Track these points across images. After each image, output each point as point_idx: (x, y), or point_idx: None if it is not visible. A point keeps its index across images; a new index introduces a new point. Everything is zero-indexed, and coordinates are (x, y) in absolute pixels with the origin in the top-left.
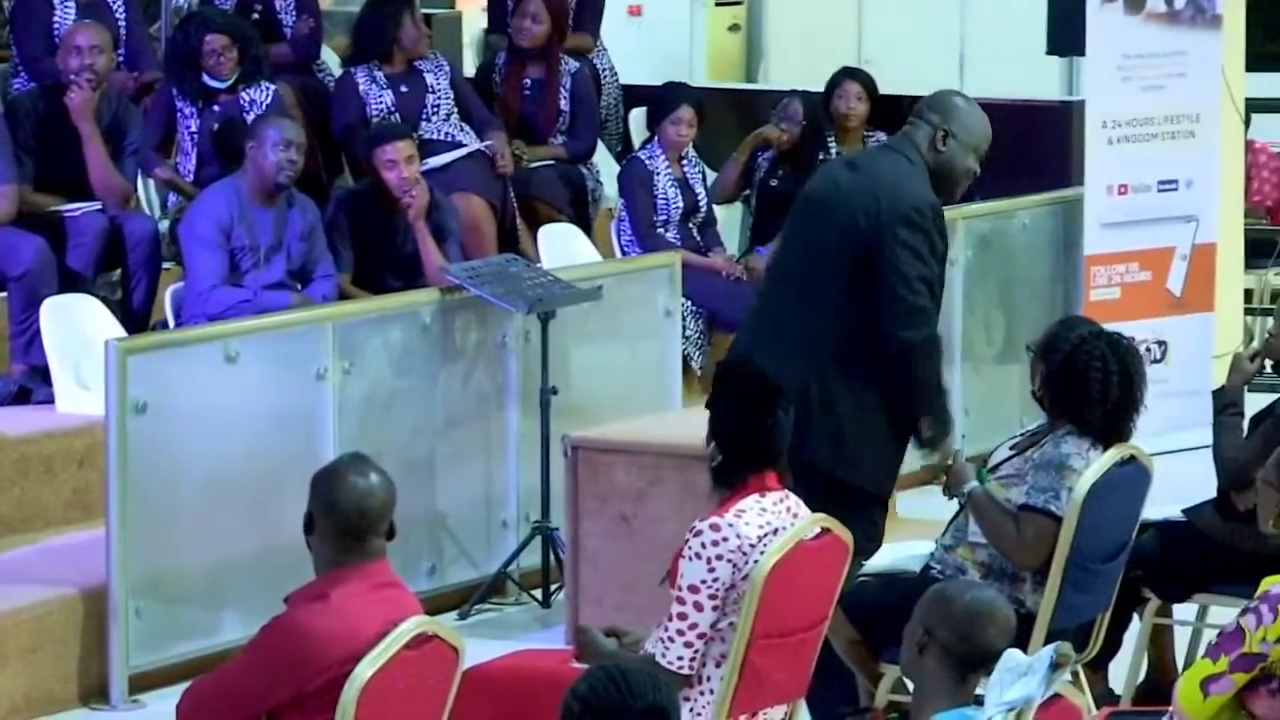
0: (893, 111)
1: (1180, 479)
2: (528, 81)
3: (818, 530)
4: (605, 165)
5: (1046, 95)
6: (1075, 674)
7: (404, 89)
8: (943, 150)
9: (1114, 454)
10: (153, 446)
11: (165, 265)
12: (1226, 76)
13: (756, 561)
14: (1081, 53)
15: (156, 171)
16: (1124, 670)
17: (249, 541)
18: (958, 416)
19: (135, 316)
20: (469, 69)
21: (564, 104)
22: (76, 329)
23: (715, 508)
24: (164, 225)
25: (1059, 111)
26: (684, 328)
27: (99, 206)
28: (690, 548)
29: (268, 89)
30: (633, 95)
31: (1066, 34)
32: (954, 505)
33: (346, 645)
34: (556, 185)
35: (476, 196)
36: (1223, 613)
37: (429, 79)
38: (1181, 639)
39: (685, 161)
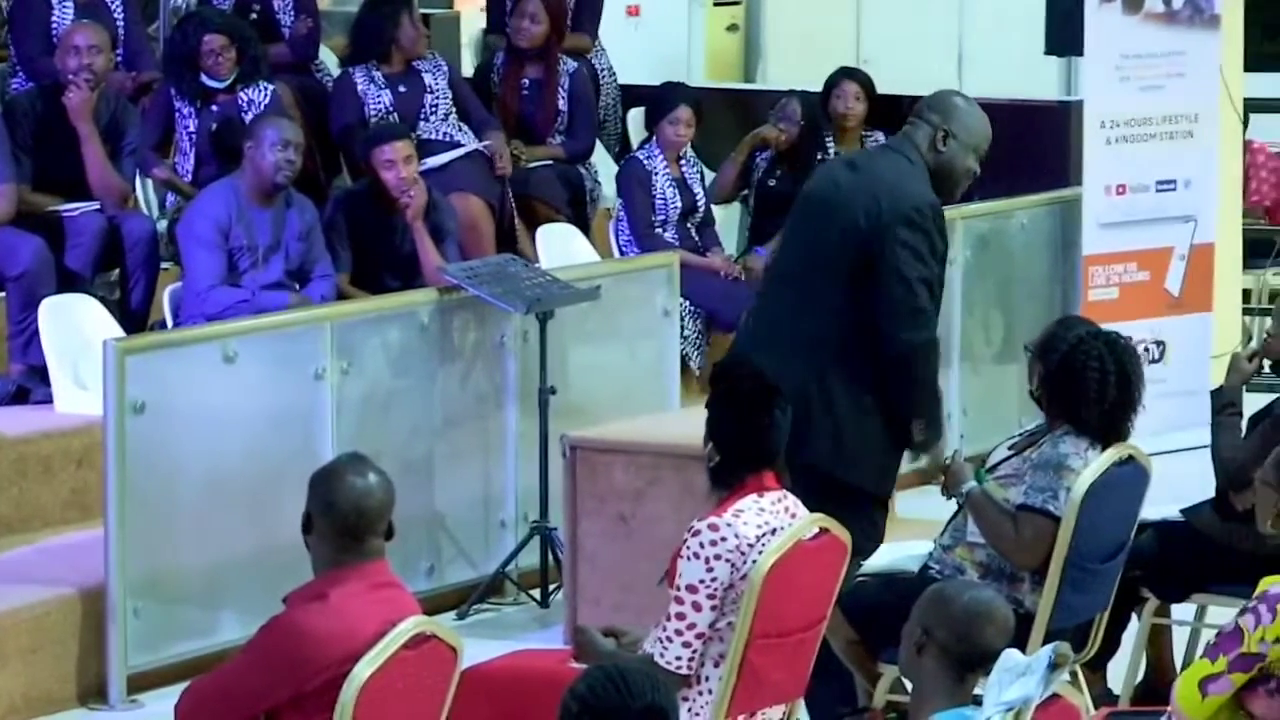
0: (891, 111)
1: (1179, 479)
2: (526, 81)
3: (816, 530)
4: (603, 165)
5: (1045, 95)
6: (1074, 674)
7: (402, 89)
8: (943, 150)
9: (1112, 454)
10: (151, 446)
11: (163, 265)
12: (1225, 76)
13: (755, 561)
14: (1080, 53)
15: (155, 171)
16: (1122, 670)
17: (247, 541)
18: (956, 416)
19: (133, 316)
20: (467, 69)
21: (562, 104)
22: (75, 329)
23: (713, 508)
24: (162, 225)
25: (1057, 111)
26: (682, 328)
27: (97, 206)
28: (688, 547)
29: (266, 89)
30: (631, 95)
31: (1065, 34)
32: (952, 505)
33: (345, 645)
34: (555, 185)
35: (475, 196)
36: (1221, 613)
37: (427, 79)
38: (1180, 639)
39: (683, 161)
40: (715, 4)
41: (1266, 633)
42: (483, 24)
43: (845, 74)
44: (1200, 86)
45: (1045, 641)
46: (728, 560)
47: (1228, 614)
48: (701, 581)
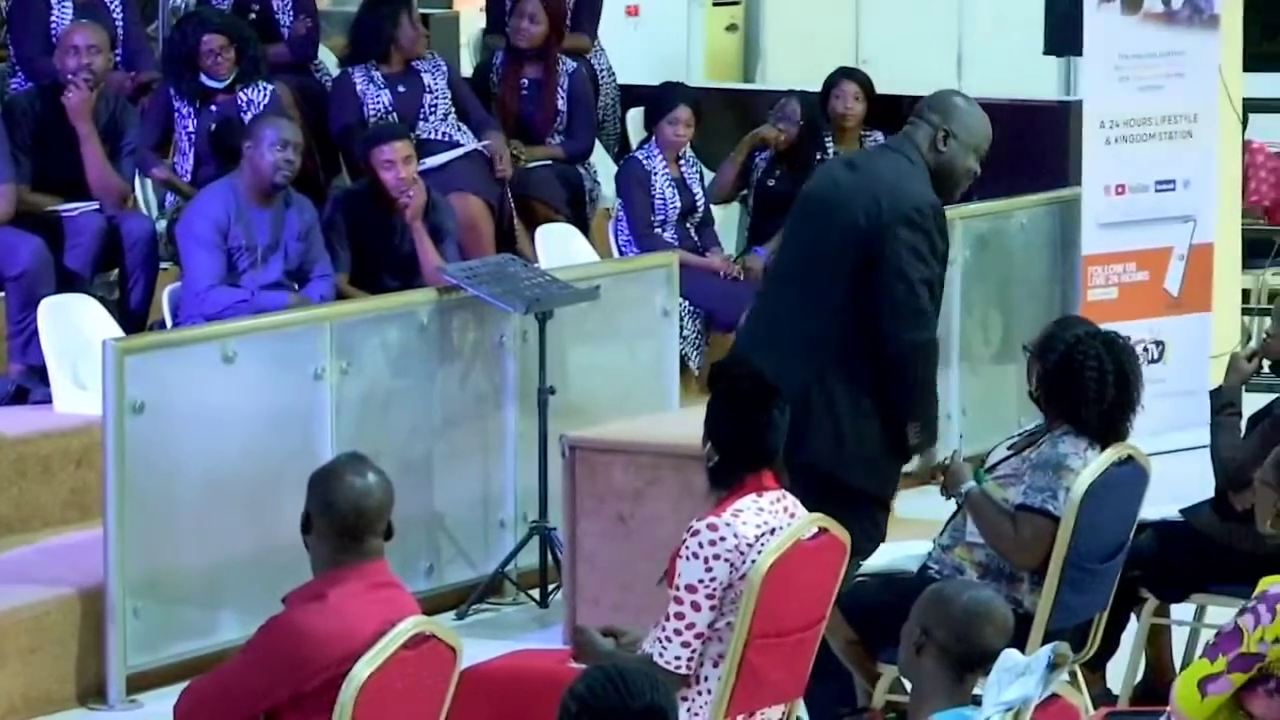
0: (890, 111)
1: (1178, 479)
2: (525, 82)
3: (815, 530)
4: (603, 165)
5: (1044, 95)
6: (1073, 674)
7: (401, 89)
8: (943, 150)
9: (1111, 454)
10: (150, 446)
11: (163, 265)
12: (1224, 76)
13: (754, 561)
14: (1079, 53)
15: (154, 171)
16: (1122, 670)
17: (247, 541)
18: (955, 416)
19: (133, 316)
20: (466, 69)
21: (561, 104)
22: (74, 329)
23: (712, 507)
24: (161, 225)
25: (1056, 111)
26: (681, 328)
27: (96, 206)
28: (688, 547)
29: (265, 89)
30: (630, 95)
31: (1064, 34)
32: (951, 505)
33: (344, 645)
34: (554, 185)
35: (474, 196)
36: (1220, 613)
37: (426, 79)
38: (1179, 639)
39: (683, 161)
40: (715, 4)
41: (1266, 633)
42: (482, 24)
43: (844, 74)
44: (1199, 86)
45: (1044, 641)
46: (727, 560)
47: (1227, 614)
48: (700, 581)
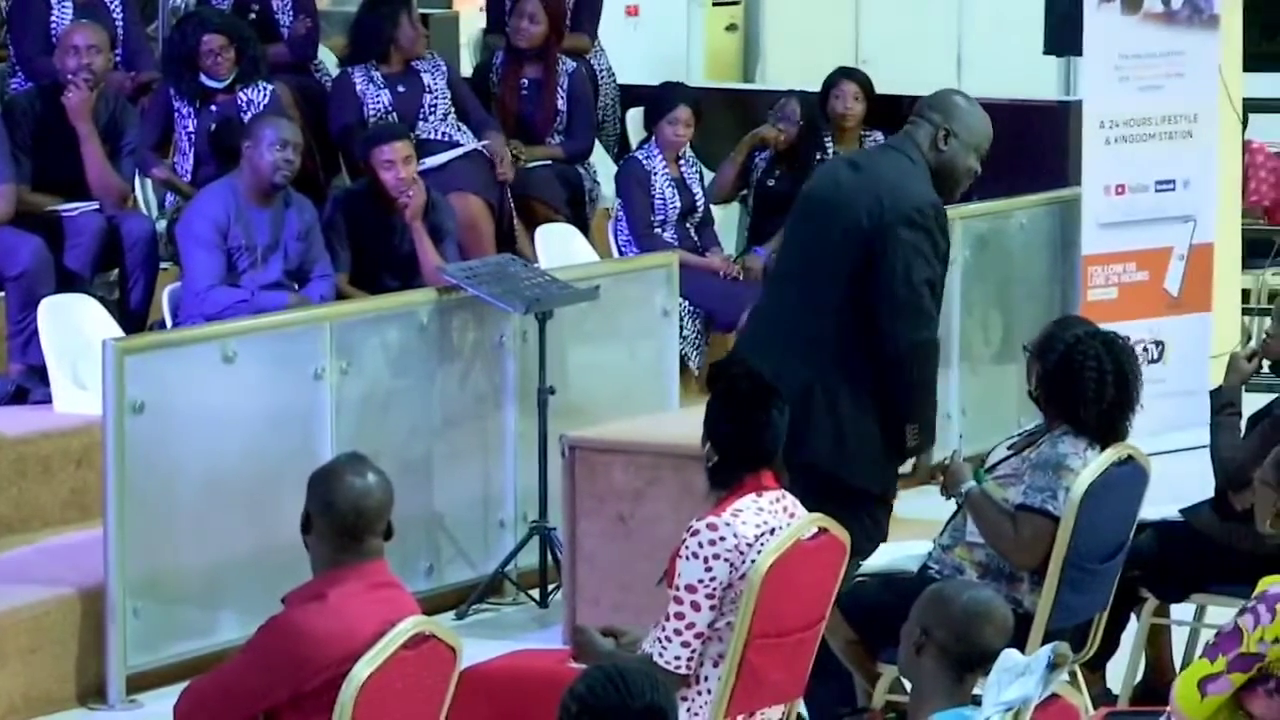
0: (890, 111)
1: (1178, 479)
2: (525, 82)
3: (815, 530)
4: (602, 165)
5: (1044, 95)
6: (1073, 674)
7: (401, 89)
8: (944, 150)
9: (1111, 454)
10: (150, 446)
11: (162, 265)
12: (1224, 76)
13: (754, 561)
14: (1079, 53)
15: (154, 171)
16: (1121, 670)
17: (246, 541)
18: (955, 416)
19: (133, 316)
20: (466, 69)
21: (561, 104)
22: (74, 329)
23: (712, 507)
24: (161, 225)
25: (1056, 111)
26: (681, 328)
27: (96, 206)
28: (687, 547)
29: (265, 89)
30: (630, 95)
31: (1064, 34)
32: (951, 505)
33: (344, 645)
34: (554, 185)
35: (474, 196)
36: (1220, 613)
37: (426, 79)
38: (1179, 639)
39: (682, 161)
40: (714, 4)
41: (1266, 633)
42: (482, 24)
43: (844, 74)
44: (1199, 86)
45: (1044, 641)
46: (726, 560)
47: (1227, 614)
48: (700, 581)
